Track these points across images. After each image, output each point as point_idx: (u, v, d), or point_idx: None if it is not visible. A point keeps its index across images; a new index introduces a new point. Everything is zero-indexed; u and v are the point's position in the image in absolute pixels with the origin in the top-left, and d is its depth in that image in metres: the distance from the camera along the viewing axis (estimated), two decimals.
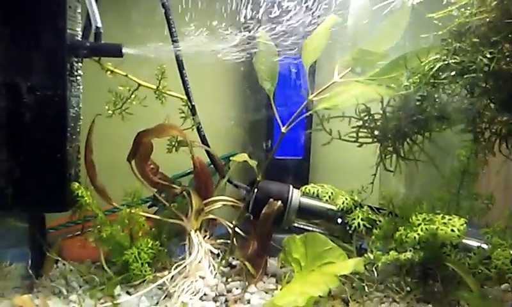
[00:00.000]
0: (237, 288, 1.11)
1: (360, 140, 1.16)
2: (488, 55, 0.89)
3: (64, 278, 1.13)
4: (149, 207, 1.26)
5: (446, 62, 0.96)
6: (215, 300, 1.07)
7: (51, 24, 1.01)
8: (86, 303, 1.03)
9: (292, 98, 1.33)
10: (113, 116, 1.15)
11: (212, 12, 1.20)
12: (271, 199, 1.15)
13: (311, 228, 1.20)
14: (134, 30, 1.27)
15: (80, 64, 1.13)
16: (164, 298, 1.07)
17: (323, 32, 1.14)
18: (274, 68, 1.16)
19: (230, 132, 1.54)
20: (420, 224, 1.04)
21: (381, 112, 1.11)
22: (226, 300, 1.07)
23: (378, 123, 1.13)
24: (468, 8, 0.89)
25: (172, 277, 1.09)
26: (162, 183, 1.20)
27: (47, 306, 1.02)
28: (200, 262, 1.12)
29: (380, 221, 1.15)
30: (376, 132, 1.14)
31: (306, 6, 1.15)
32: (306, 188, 1.21)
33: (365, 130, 1.15)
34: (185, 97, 1.21)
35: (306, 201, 1.20)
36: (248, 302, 1.06)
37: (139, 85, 1.15)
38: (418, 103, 1.06)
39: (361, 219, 1.15)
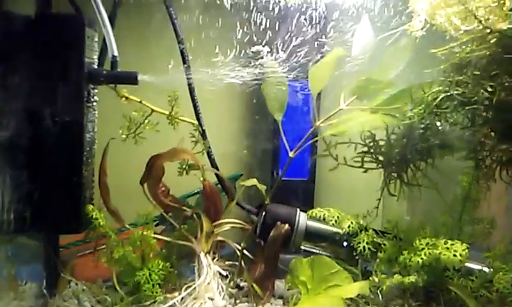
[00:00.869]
0: None
1: (365, 165, 1.20)
2: (489, 89, 0.93)
3: (77, 298, 1.16)
4: (156, 226, 1.29)
5: (448, 93, 1.00)
6: None
7: (71, 55, 1.06)
8: None
9: (299, 124, 1.38)
10: (127, 140, 1.19)
11: (222, 41, 1.25)
12: (279, 222, 1.18)
13: (317, 251, 1.24)
14: (149, 59, 1.32)
15: (95, 90, 1.18)
16: None
17: (330, 62, 1.19)
18: (283, 96, 1.21)
19: (238, 155, 1.58)
20: (423, 249, 1.07)
21: (386, 139, 1.15)
22: None
23: (383, 150, 1.17)
24: (469, 45, 0.93)
25: (182, 298, 1.12)
26: (172, 205, 1.23)
27: None
28: (208, 284, 1.15)
29: (385, 245, 1.18)
30: (381, 158, 1.18)
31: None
32: (312, 212, 1.25)
33: (370, 156, 1.19)
34: (196, 122, 1.26)
35: (313, 224, 1.24)
36: None
37: (153, 111, 1.19)
38: (421, 131, 1.09)
39: (367, 243, 1.18)
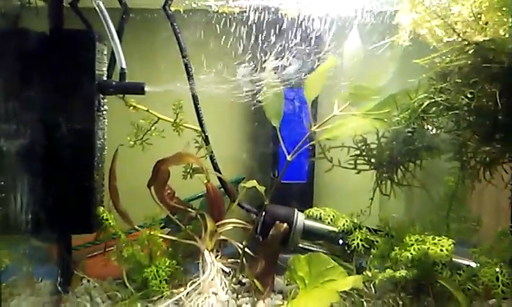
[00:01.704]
0: (246, 304, 1.20)
1: (358, 167, 1.27)
2: (469, 95, 1.01)
3: (89, 294, 1.23)
4: (162, 228, 1.36)
5: (433, 100, 1.08)
6: None
7: (83, 68, 1.15)
8: None
9: (296, 130, 1.45)
10: (135, 146, 1.27)
11: (222, 53, 1.34)
12: (278, 222, 1.26)
13: (315, 249, 1.30)
14: (155, 70, 1.40)
15: (105, 100, 1.26)
16: None
17: (323, 71, 1.27)
18: (280, 104, 1.29)
19: (239, 159, 1.65)
20: (412, 244, 1.14)
21: (377, 142, 1.23)
22: None
23: (374, 152, 1.25)
24: (449, 56, 1.01)
25: (187, 293, 1.19)
26: (177, 206, 1.31)
27: None
28: (212, 280, 1.21)
29: (377, 242, 1.25)
30: (372, 160, 1.26)
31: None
32: (310, 211, 1.32)
33: (363, 159, 1.26)
34: (199, 128, 1.33)
35: (310, 223, 1.31)
36: None
37: (159, 118, 1.27)
38: (409, 134, 1.17)
39: (360, 240, 1.25)
